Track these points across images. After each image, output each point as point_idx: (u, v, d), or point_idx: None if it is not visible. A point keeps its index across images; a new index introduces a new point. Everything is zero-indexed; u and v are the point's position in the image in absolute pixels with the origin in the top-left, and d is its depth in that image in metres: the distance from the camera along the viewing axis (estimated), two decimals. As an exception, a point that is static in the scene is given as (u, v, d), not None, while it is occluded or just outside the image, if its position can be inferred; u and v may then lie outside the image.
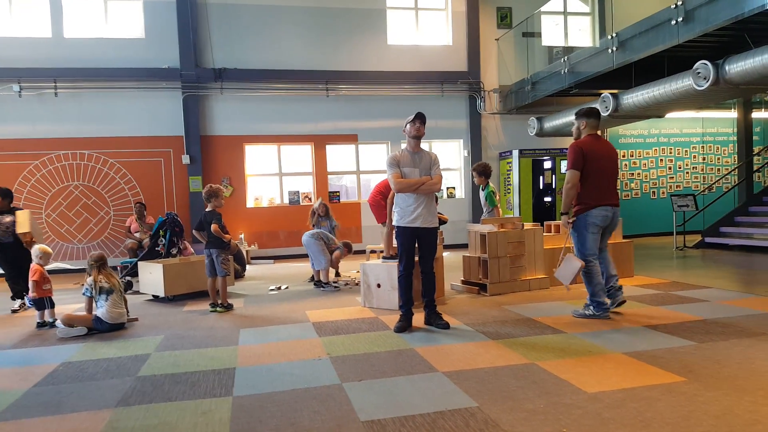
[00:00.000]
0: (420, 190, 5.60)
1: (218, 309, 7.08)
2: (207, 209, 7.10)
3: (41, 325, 6.47)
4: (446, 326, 5.64)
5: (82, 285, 6.39)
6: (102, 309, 6.04)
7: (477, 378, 4.06)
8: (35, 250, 6.66)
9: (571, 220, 5.89)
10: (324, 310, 6.90)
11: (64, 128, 12.41)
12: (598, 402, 3.51)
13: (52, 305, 6.59)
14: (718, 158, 16.61)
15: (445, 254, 8.47)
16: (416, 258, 5.82)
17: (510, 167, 14.18)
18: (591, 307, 5.90)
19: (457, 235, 13.52)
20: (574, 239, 6.01)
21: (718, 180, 15.30)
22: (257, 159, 13.71)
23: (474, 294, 7.59)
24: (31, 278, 6.51)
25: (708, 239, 12.43)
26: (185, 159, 12.77)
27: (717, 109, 15.34)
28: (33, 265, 6.61)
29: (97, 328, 6.02)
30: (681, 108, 12.06)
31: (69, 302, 7.92)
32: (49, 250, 6.79)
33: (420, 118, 5.67)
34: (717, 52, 9.16)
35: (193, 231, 7.44)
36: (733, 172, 15.00)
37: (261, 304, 7.55)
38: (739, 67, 8.20)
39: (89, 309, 6.16)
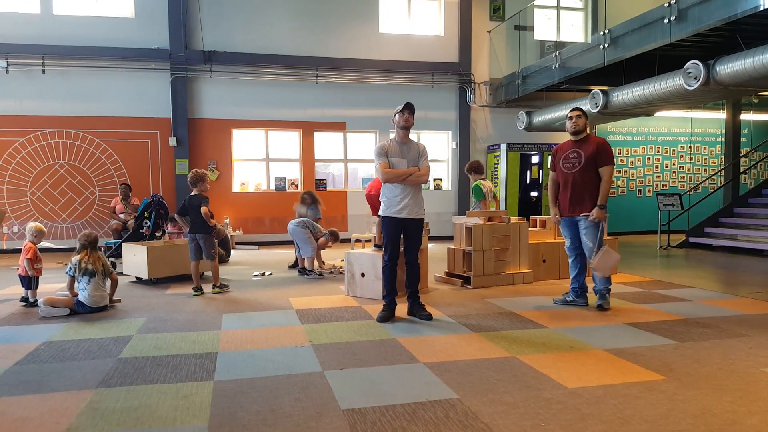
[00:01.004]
0: (407, 181, 5.58)
1: (216, 290, 7.18)
2: (192, 193, 7.05)
3: (24, 302, 6.42)
4: (429, 317, 5.65)
5: (66, 264, 6.32)
6: (84, 292, 5.97)
7: (458, 370, 4.07)
8: (29, 228, 6.57)
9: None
10: (307, 297, 6.89)
11: (51, 106, 12.26)
12: (577, 397, 3.54)
13: (36, 286, 6.52)
14: (706, 159, 16.74)
15: (430, 246, 8.49)
16: (401, 248, 5.83)
17: (498, 161, 14.19)
18: (606, 294, 6.09)
19: (442, 227, 13.53)
20: (599, 232, 5.94)
21: (705, 180, 15.40)
22: (244, 144, 13.62)
23: (458, 286, 7.61)
24: (25, 256, 6.42)
25: (692, 239, 12.53)
26: (172, 141, 12.67)
27: (706, 110, 15.43)
28: (26, 243, 6.52)
29: (79, 312, 5.97)
30: (670, 107, 12.11)
31: (52, 281, 7.86)
32: (43, 228, 6.69)
33: (409, 108, 5.65)
34: (708, 52, 9.19)
35: (175, 215, 7.38)
36: (719, 173, 15.11)
37: (244, 289, 7.52)
38: (729, 68, 8.23)
39: (71, 288, 6.11)
